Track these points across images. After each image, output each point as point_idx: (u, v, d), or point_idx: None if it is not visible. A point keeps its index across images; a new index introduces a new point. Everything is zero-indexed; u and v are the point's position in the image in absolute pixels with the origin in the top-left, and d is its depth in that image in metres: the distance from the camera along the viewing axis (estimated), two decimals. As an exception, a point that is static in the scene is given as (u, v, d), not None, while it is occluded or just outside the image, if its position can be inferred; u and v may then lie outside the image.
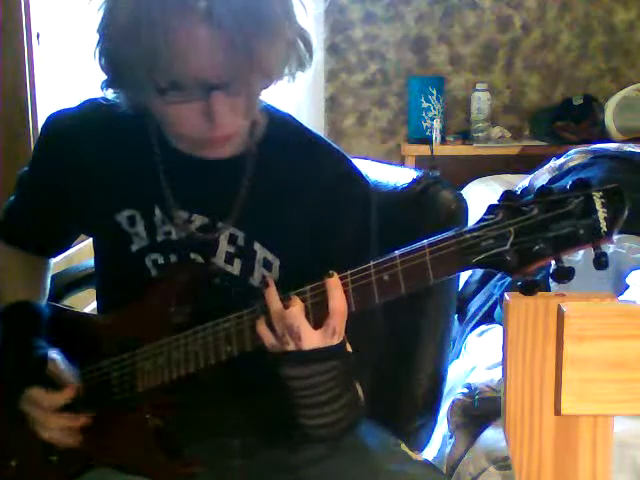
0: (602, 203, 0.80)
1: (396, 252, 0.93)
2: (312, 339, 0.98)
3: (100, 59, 1.02)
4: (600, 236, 0.80)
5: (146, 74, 0.97)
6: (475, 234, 0.87)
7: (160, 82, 0.97)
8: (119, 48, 0.98)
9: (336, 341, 0.99)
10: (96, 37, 1.01)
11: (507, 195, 0.86)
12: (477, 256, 0.87)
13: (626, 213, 0.80)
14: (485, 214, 0.87)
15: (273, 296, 0.99)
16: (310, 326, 0.98)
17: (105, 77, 1.05)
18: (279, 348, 1.00)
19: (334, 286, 0.96)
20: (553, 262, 0.84)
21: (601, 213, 0.80)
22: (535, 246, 0.83)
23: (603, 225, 0.79)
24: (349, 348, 1.03)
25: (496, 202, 0.86)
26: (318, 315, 0.98)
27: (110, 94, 1.08)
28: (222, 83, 0.97)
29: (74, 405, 1.13)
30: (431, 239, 0.91)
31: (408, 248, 0.93)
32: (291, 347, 0.99)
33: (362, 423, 1.14)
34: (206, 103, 0.99)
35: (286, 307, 0.97)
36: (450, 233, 0.89)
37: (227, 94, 0.98)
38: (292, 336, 0.98)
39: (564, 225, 0.81)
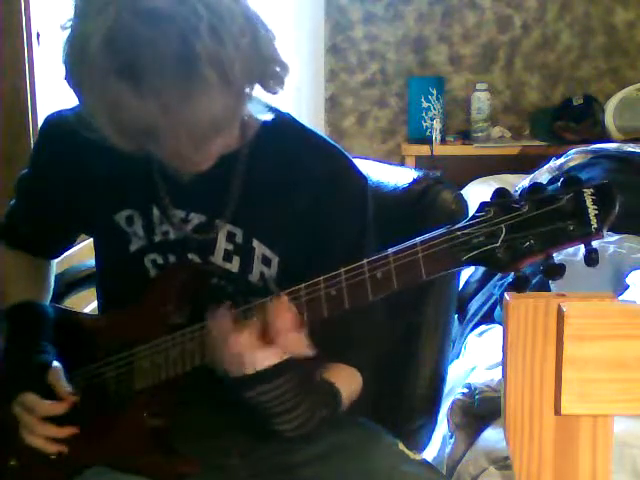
0: (592, 200, 0.80)
1: (389, 250, 0.93)
2: (264, 360, 1.00)
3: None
4: (590, 232, 0.80)
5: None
6: (467, 231, 0.87)
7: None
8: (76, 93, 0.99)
9: (287, 356, 1.00)
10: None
11: (499, 193, 0.86)
12: (468, 253, 0.87)
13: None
14: (477, 211, 0.87)
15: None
16: (261, 348, 0.99)
17: None
18: (233, 373, 1.01)
19: (280, 307, 0.97)
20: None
21: (591, 210, 0.80)
22: (526, 243, 0.83)
23: (593, 222, 0.80)
24: (311, 351, 1.02)
25: (488, 200, 0.87)
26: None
27: None
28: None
29: (66, 414, 1.13)
30: (423, 237, 0.91)
31: (401, 246, 0.93)
32: (241, 372, 1.00)
33: (341, 416, 1.14)
34: None
35: (232, 334, 0.98)
36: (442, 230, 0.89)
37: None
38: (244, 364, 0.99)
39: (555, 222, 0.82)
